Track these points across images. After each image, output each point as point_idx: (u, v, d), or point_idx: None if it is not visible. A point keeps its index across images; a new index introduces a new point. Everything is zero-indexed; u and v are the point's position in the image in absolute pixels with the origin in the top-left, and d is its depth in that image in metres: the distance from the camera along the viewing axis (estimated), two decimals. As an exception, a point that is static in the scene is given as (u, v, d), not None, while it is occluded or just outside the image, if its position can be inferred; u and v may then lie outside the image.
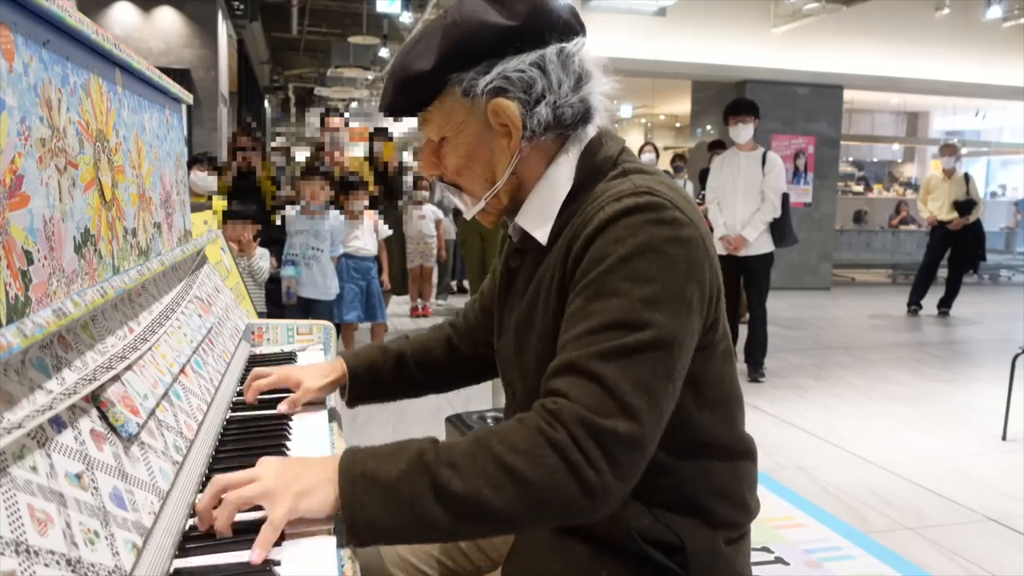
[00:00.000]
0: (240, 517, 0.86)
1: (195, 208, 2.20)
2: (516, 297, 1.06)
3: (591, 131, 1.01)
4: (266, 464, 0.85)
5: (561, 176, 0.99)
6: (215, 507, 0.82)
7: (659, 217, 0.88)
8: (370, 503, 0.80)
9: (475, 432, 0.86)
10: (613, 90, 1.01)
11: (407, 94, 0.97)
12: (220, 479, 0.83)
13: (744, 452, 1.06)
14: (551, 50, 0.94)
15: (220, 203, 4.18)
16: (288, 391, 1.24)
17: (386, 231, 4.84)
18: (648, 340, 0.84)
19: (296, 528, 0.82)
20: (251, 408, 1.26)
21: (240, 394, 1.34)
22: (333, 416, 1.24)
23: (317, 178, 4.30)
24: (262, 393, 1.26)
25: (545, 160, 1.00)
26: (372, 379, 1.26)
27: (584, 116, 0.98)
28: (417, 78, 0.95)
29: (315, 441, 1.13)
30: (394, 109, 1.01)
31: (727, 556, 1.00)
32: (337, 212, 4.48)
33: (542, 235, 1.00)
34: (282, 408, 1.21)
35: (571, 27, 0.97)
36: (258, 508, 0.83)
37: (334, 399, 1.32)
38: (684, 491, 0.98)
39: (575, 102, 0.96)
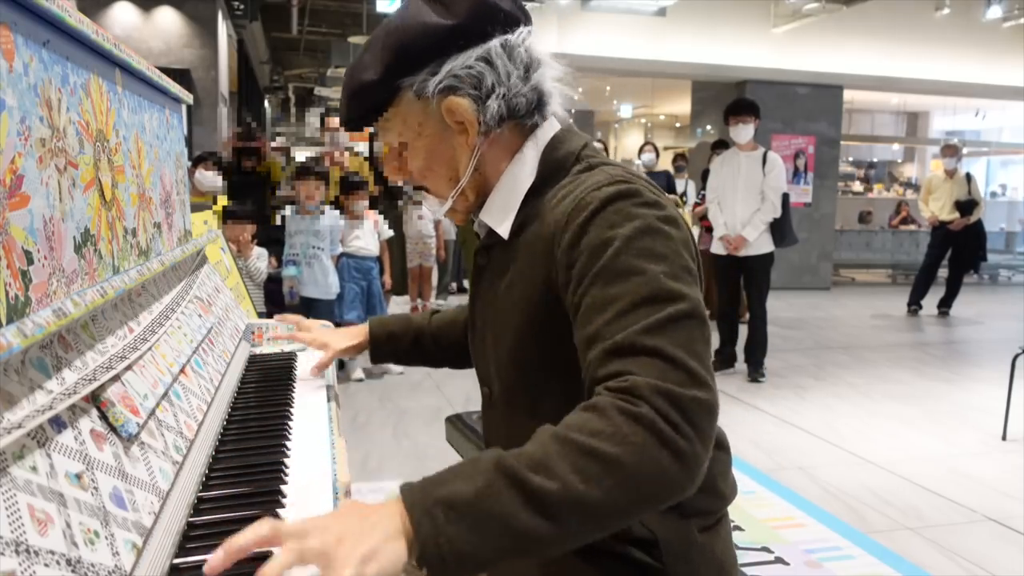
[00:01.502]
0: (237, 514, 0.87)
1: (195, 208, 2.20)
2: (487, 293, 1.06)
3: (552, 124, 1.03)
4: (315, 521, 0.71)
5: (523, 171, 1.01)
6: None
7: (644, 200, 0.90)
8: (456, 533, 0.69)
9: (544, 430, 0.77)
10: (565, 74, 1.02)
11: (360, 105, 1.00)
12: (237, 541, 0.68)
13: (716, 443, 1.04)
14: (495, 43, 0.96)
15: (223, 202, 4.19)
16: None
17: (387, 232, 4.84)
18: (685, 310, 0.83)
19: None
20: (251, 407, 1.26)
21: (240, 393, 1.34)
22: (331, 395, 1.33)
23: (312, 178, 4.30)
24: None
25: (508, 154, 1.01)
26: (391, 346, 1.38)
27: (539, 104, 1.00)
28: (367, 88, 0.97)
29: (314, 442, 1.13)
30: (352, 120, 1.03)
31: (702, 544, 1.01)
32: (333, 211, 4.48)
33: (504, 229, 1.01)
34: (312, 372, 1.43)
35: (514, 18, 0.98)
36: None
37: (332, 378, 1.45)
38: None
39: (527, 91, 0.98)
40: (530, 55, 0.98)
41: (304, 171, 4.49)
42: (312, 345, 1.43)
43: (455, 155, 1.00)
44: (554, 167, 1.00)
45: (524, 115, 0.99)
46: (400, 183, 1.07)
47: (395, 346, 1.37)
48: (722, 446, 1.09)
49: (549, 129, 1.03)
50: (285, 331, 1.56)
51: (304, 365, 1.57)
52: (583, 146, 1.02)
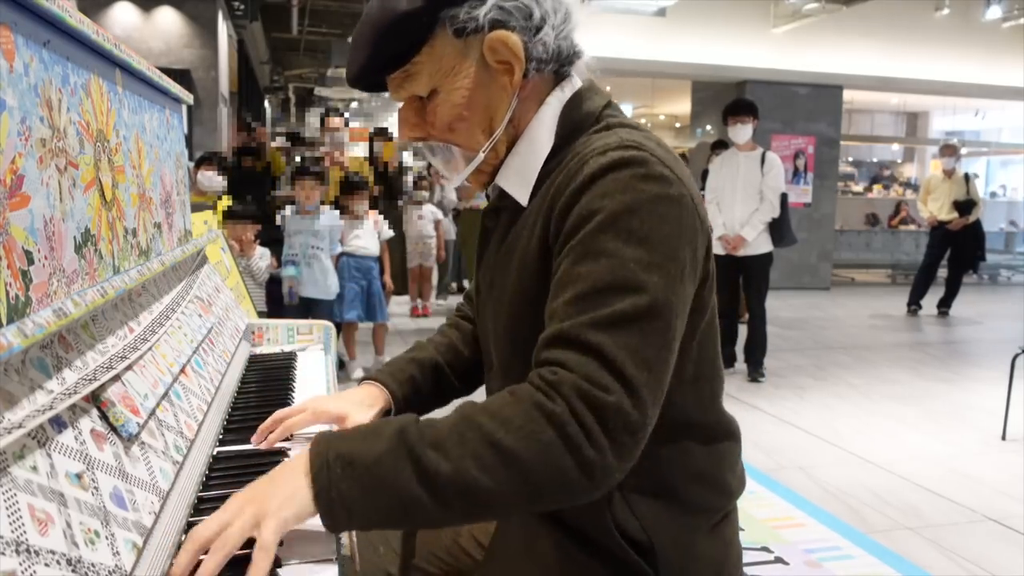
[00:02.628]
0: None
1: (196, 208, 2.20)
2: (491, 256, 1.00)
3: (575, 81, 0.96)
4: (234, 499, 0.77)
5: (542, 131, 0.93)
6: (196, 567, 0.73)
7: (648, 172, 0.82)
8: (348, 489, 0.73)
9: (462, 407, 0.79)
10: (590, 33, 0.96)
11: (392, 43, 0.88)
12: (196, 534, 0.74)
13: (725, 432, 1.00)
14: None
15: (226, 203, 4.19)
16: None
17: (388, 232, 4.84)
18: (644, 306, 0.77)
19: (295, 548, 0.78)
20: (251, 407, 1.26)
21: (241, 393, 1.34)
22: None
23: (309, 178, 4.30)
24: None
25: (536, 104, 0.94)
26: (415, 399, 1.13)
27: (574, 54, 0.94)
28: (406, 19, 0.86)
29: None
30: (374, 66, 0.90)
31: (700, 549, 0.95)
32: (333, 211, 4.48)
33: (523, 196, 0.94)
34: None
35: None
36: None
37: (332, 378, 1.32)
38: (659, 475, 0.92)
39: (567, 33, 0.92)
40: (564, 1, 0.92)
41: (301, 171, 4.49)
42: (320, 421, 1.09)
43: (492, 100, 0.91)
44: (572, 128, 0.93)
45: (564, 60, 0.93)
46: (416, 141, 0.96)
47: (417, 393, 1.13)
48: (733, 436, 1.02)
49: (573, 85, 0.95)
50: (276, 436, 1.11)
51: (305, 365, 1.57)
52: (605, 104, 0.95)
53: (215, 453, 1.07)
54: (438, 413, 0.84)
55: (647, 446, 0.86)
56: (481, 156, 0.94)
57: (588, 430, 0.73)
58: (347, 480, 0.73)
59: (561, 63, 0.93)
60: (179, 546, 0.81)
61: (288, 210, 4.35)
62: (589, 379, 0.74)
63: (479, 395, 1.03)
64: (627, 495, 0.92)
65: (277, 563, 0.76)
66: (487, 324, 1.01)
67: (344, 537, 0.86)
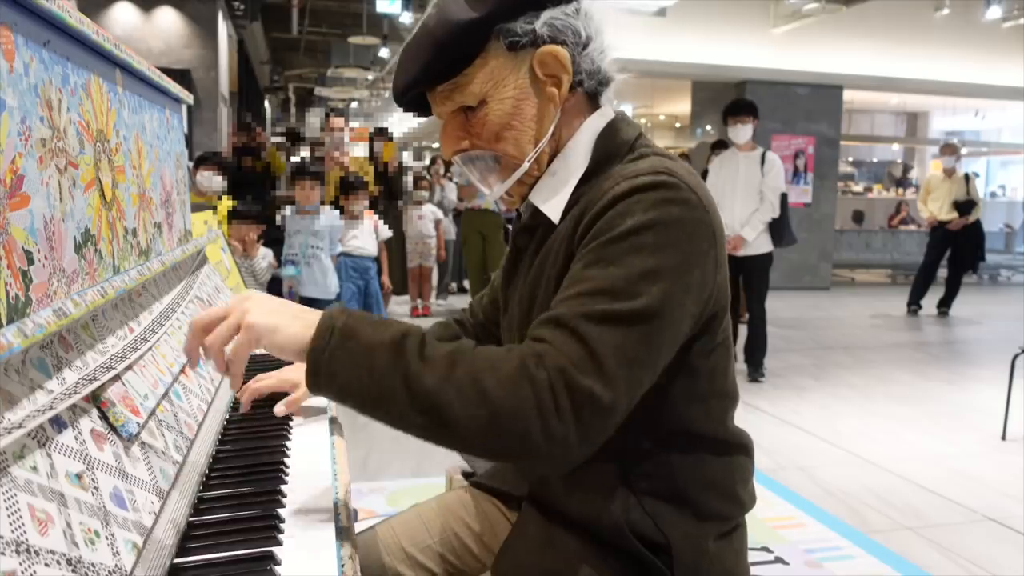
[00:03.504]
0: (237, 513, 0.87)
1: (196, 208, 2.20)
2: (522, 273, 1.04)
3: (608, 110, 1.01)
4: (247, 297, 0.87)
5: (577, 153, 0.98)
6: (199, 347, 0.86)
7: (674, 196, 0.87)
8: (339, 356, 0.80)
9: (462, 342, 0.84)
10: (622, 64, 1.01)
11: (449, 52, 0.92)
12: (198, 320, 0.86)
13: (737, 447, 1.04)
14: (585, 3, 0.96)
15: (228, 203, 4.19)
16: (286, 394, 1.23)
17: (386, 232, 4.84)
18: (636, 310, 0.82)
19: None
20: (252, 407, 1.26)
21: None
22: (335, 428, 1.22)
23: (307, 179, 4.30)
24: (262, 397, 1.24)
25: (577, 120, 1.00)
26: None
27: (608, 77, 0.99)
28: (464, 29, 0.91)
29: (314, 442, 1.13)
30: (428, 75, 0.95)
31: (714, 553, 0.99)
32: (333, 211, 4.48)
33: (555, 212, 0.98)
34: (279, 409, 1.19)
35: None
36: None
37: (334, 406, 1.29)
38: (673, 480, 0.97)
39: (604, 60, 0.98)
40: (600, 25, 0.98)
41: (300, 171, 4.49)
42: (280, 388, 1.23)
43: (539, 111, 0.96)
44: (607, 155, 0.98)
45: (603, 80, 0.98)
46: (455, 155, 1.01)
47: None
48: (746, 451, 1.07)
49: (609, 112, 1.01)
50: (247, 397, 1.23)
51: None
52: (638, 136, 1.00)
53: (215, 453, 1.07)
54: None
55: (662, 453, 0.95)
56: (526, 165, 0.98)
57: (559, 404, 0.78)
58: (342, 350, 0.80)
59: (600, 82, 0.99)
60: (179, 546, 0.81)
61: (288, 210, 4.35)
62: (571, 361, 0.80)
63: None
64: (641, 498, 0.96)
65: (278, 531, 0.84)
66: (513, 337, 1.06)
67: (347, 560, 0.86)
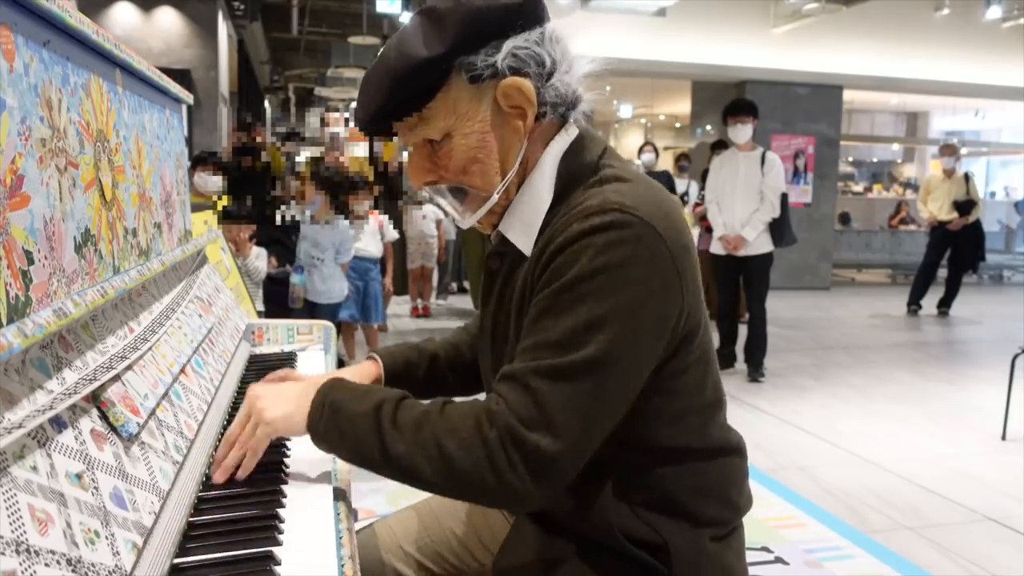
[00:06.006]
0: (237, 513, 0.87)
1: (195, 208, 2.20)
2: (494, 301, 1.05)
3: (571, 129, 0.99)
4: (251, 401, 1.00)
5: (542, 182, 0.97)
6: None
7: (621, 237, 0.86)
8: (330, 430, 0.94)
9: (430, 404, 0.93)
10: (595, 74, 0.99)
11: (408, 88, 0.90)
12: (231, 434, 1.00)
13: (726, 450, 1.04)
14: (549, 27, 0.94)
15: (226, 203, 4.19)
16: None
17: (392, 234, 4.82)
18: (582, 362, 0.85)
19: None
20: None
21: (241, 393, 1.34)
22: None
23: (361, 190, 4.31)
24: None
25: (543, 146, 0.98)
26: (407, 378, 1.24)
27: (576, 99, 0.98)
28: (424, 66, 0.88)
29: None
30: (388, 110, 0.93)
31: (712, 554, 1.00)
32: (344, 221, 4.46)
33: (526, 246, 0.97)
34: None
35: (546, 12, 0.97)
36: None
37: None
38: (666, 490, 0.98)
39: (572, 81, 0.96)
40: (566, 49, 0.96)
41: (352, 185, 4.50)
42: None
43: (504, 143, 0.95)
44: (570, 179, 0.96)
45: (569, 105, 0.97)
46: (421, 187, 1.02)
47: (411, 379, 1.23)
48: (738, 452, 1.06)
49: (574, 130, 0.99)
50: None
51: (305, 365, 1.57)
52: (602, 153, 0.99)
53: (215, 453, 1.07)
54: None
55: (650, 466, 0.97)
56: (495, 197, 0.97)
57: (511, 460, 0.85)
58: (331, 423, 0.94)
59: (567, 107, 0.97)
60: (179, 546, 0.81)
61: (296, 212, 4.35)
62: (520, 418, 0.85)
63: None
64: (636, 508, 0.97)
65: (278, 531, 0.86)
66: (487, 363, 1.08)
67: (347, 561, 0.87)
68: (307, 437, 0.97)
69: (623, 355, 0.86)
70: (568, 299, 0.87)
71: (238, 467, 0.98)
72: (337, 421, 0.93)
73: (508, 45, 0.90)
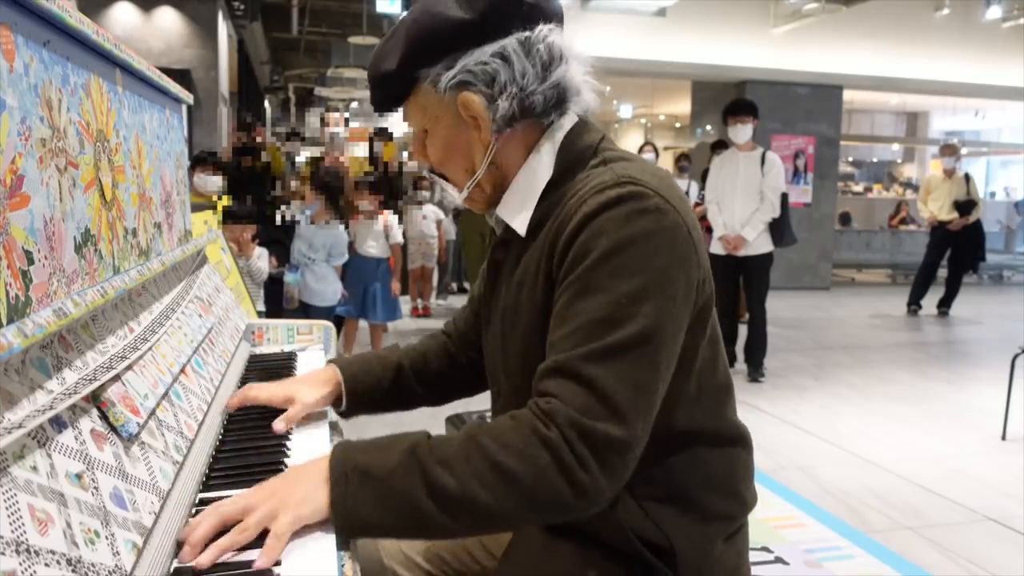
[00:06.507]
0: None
1: (195, 208, 2.20)
2: (501, 288, 1.04)
3: (570, 118, 1.00)
4: (256, 490, 0.84)
5: (540, 166, 0.98)
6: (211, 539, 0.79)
7: (642, 207, 0.87)
8: (362, 500, 0.81)
9: (468, 428, 0.86)
10: (595, 71, 1.01)
11: (383, 91, 1.01)
12: (221, 509, 0.80)
13: (735, 438, 1.05)
14: (512, 40, 0.94)
15: (226, 203, 4.19)
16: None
17: (398, 236, 4.78)
18: (634, 336, 0.83)
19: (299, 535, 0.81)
20: (251, 408, 1.26)
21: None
22: (334, 430, 1.19)
23: (367, 190, 4.31)
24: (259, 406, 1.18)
25: (524, 149, 0.99)
26: (369, 391, 1.20)
27: (558, 102, 0.97)
28: (388, 76, 0.98)
29: (314, 442, 1.13)
30: (378, 104, 1.04)
31: (718, 557, 0.99)
32: (341, 226, 4.45)
33: (521, 225, 0.99)
34: (277, 426, 1.11)
35: (539, 12, 0.96)
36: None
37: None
38: (674, 482, 0.97)
39: (544, 89, 0.95)
40: (551, 52, 0.95)
41: (358, 183, 4.49)
42: (273, 402, 1.16)
43: (470, 148, 0.99)
44: (571, 162, 0.98)
45: (540, 113, 0.96)
46: (425, 169, 1.09)
47: (374, 388, 1.20)
48: (744, 444, 1.07)
49: (567, 123, 1.00)
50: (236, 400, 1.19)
51: (305, 364, 1.57)
52: (600, 139, 1.00)
53: (215, 453, 1.07)
54: (408, 417, 0.88)
55: (659, 455, 0.94)
56: (466, 192, 1.03)
57: (579, 456, 0.80)
58: (364, 490, 0.81)
59: (537, 116, 0.97)
60: (179, 545, 0.81)
61: (295, 212, 4.34)
62: (581, 410, 0.81)
63: (451, 408, 1.08)
64: (642, 503, 0.96)
65: (277, 563, 0.77)
66: (496, 353, 1.06)
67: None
68: (306, 440, 0.95)
69: (666, 323, 0.86)
70: (601, 275, 0.85)
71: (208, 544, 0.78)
72: (371, 485, 0.81)
73: (462, 61, 0.94)
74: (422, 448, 0.83)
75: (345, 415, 1.23)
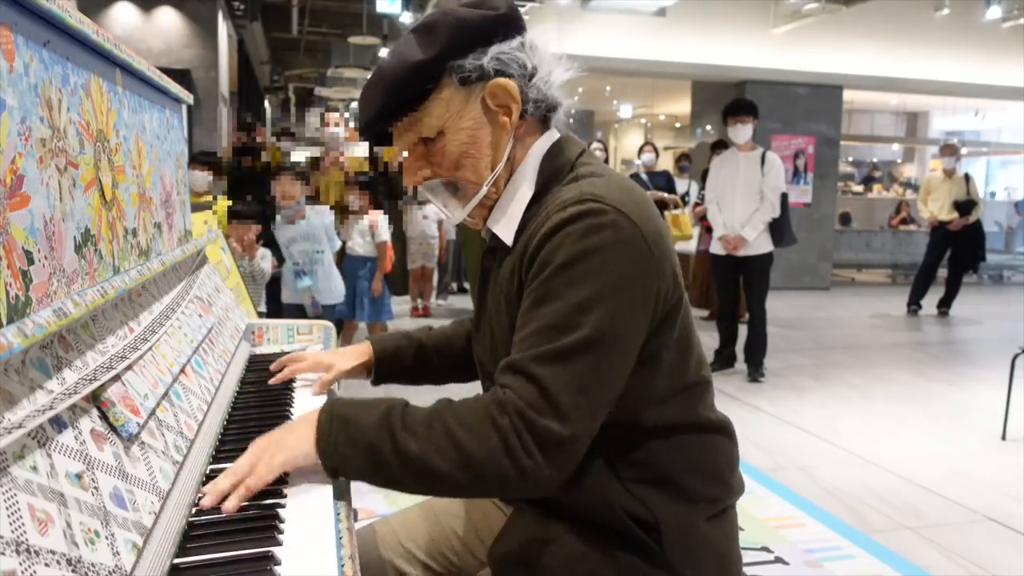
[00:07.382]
0: (239, 514, 0.87)
1: (196, 208, 2.20)
2: (489, 296, 1.10)
3: (553, 133, 1.08)
4: (261, 439, 0.97)
5: (524, 180, 1.05)
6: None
7: (599, 223, 0.93)
8: (340, 442, 0.93)
9: (438, 402, 0.95)
10: (568, 80, 1.08)
11: (405, 90, 0.99)
12: (231, 469, 0.93)
13: (714, 428, 1.09)
14: (528, 36, 1.04)
15: (224, 204, 4.18)
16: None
17: (384, 236, 4.70)
18: (580, 341, 0.90)
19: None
20: (251, 407, 1.26)
21: (241, 393, 1.34)
22: (331, 394, 1.30)
23: (286, 174, 4.15)
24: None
25: (527, 145, 1.06)
26: (396, 362, 1.36)
27: (556, 104, 1.06)
28: (417, 70, 0.98)
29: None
30: (387, 112, 1.01)
31: (703, 533, 1.04)
32: (322, 207, 4.34)
33: (508, 236, 1.05)
34: (315, 390, 1.33)
35: (524, 24, 1.06)
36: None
37: (338, 391, 1.39)
38: (657, 466, 1.02)
39: (550, 87, 1.05)
40: (544, 57, 1.05)
41: (280, 168, 4.37)
42: (315, 369, 1.36)
43: (493, 138, 1.03)
44: (550, 176, 1.04)
45: (551, 107, 1.05)
46: (417, 184, 1.09)
47: (400, 362, 1.36)
48: (726, 433, 1.11)
49: (555, 134, 1.08)
50: (284, 374, 1.39)
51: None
52: (579, 153, 1.07)
53: (215, 453, 1.07)
54: (418, 400, 0.99)
55: (641, 441, 1.02)
56: (485, 189, 1.05)
57: (524, 444, 0.89)
58: (342, 435, 0.94)
59: (548, 108, 1.06)
60: (180, 546, 0.81)
61: (277, 220, 4.23)
62: (528, 404, 0.90)
63: (457, 387, 1.24)
64: (628, 485, 1.01)
65: (278, 530, 0.85)
66: (486, 354, 1.11)
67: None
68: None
69: (615, 331, 0.92)
70: (557, 285, 0.92)
71: (226, 497, 0.91)
72: (348, 432, 0.93)
73: (493, 50, 1.00)
74: (396, 412, 0.94)
75: (375, 383, 1.39)
